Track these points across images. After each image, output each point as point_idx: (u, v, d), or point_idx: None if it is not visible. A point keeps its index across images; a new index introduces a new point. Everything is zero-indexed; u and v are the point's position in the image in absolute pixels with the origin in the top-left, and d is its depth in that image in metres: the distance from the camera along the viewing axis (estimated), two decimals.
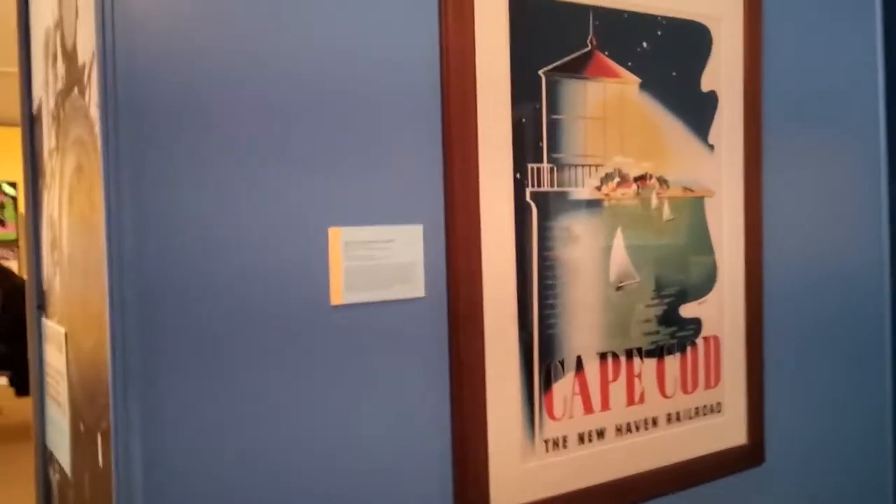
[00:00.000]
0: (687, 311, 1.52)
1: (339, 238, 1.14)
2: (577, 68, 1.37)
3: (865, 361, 1.89)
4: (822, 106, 1.80)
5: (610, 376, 1.42)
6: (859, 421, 1.87)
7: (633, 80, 1.44)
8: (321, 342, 1.13)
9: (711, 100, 1.55)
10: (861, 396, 1.87)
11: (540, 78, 1.33)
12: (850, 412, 1.85)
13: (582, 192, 1.38)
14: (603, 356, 1.41)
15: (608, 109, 1.41)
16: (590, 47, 1.39)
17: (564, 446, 1.36)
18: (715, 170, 1.56)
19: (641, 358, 1.46)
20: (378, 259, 1.18)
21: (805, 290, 1.75)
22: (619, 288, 1.43)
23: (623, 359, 1.43)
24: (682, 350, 1.51)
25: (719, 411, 1.57)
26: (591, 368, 1.39)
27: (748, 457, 1.62)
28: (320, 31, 1.13)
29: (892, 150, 1.99)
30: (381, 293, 1.18)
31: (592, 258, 1.39)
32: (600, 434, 1.41)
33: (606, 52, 1.41)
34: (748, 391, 1.61)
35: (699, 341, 1.54)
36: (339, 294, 1.14)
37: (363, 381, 1.17)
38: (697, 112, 1.53)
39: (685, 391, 1.52)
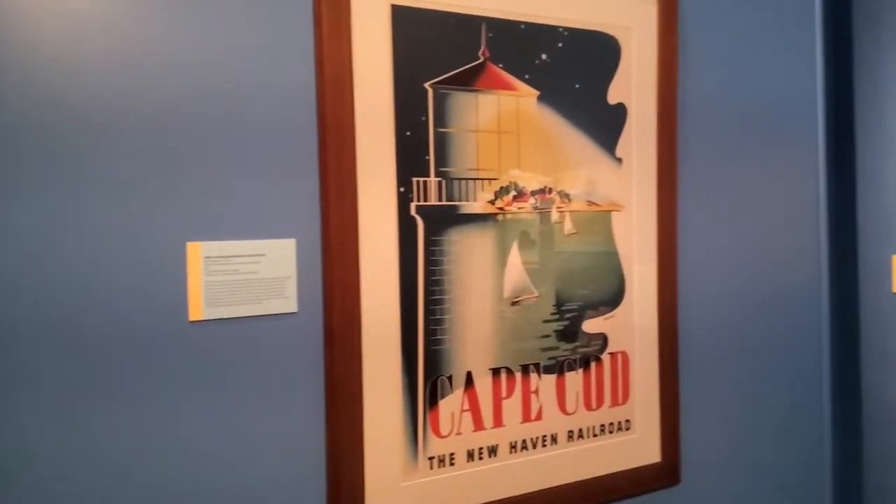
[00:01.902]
0: (591, 326, 1.50)
1: (199, 252, 1.13)
2: (466, 81, 1.36)
3: (794, 378, 1.85)
4: (751, 118, 1.77)
5: (503, 392, 1.40)
6: (787, 442, 1.83)
7: (530, 93, 1.42)
8: (179, 359, 1.12)
9: (619, 112, 1.53)
10: (789, 416, 1.83)
11: (426, 91, 1.32)
12: (777, 433, 1.81)
13: (473, 206, 1.36)
14: (496, 372, 1.39)
15: (503, 122, 1.39)
16: (482, 59, 1.37)
17: (451, 463, 1.34)
18: (624, 183, 1.54)
19: (539, 374, 1.43)
20: (245, 274, 1.17)
21: (725, 306, 1.71)
22: (515, 303, 1.41)
23: (518, 374, 1.41)
24: (586, 366, 1.49)
25: (629, 429, 1.54)
26: (483, 384, 1.37)
27: (663, 476, 1.58)
28: (186, 42, 1.13)
29: (830, 164, 1.95)
30: (249, 308, 1.17)
31: (485, 273, 1.37)
32: (492, 451, 1.38)
33: (501, 65, 1.39)
34: (662, 409, 1.58)
35: (605, 357, 1.51)
36: (199, 310, 1.13)
37: (230, 398, 1.16)
38: (604, 125, 1.51)
39: (588, 408, 1.49)
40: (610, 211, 1.52)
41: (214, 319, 1.14)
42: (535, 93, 1.43)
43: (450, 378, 1.34)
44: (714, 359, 1.69)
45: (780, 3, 1.82)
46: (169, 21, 1.11)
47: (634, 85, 1.54)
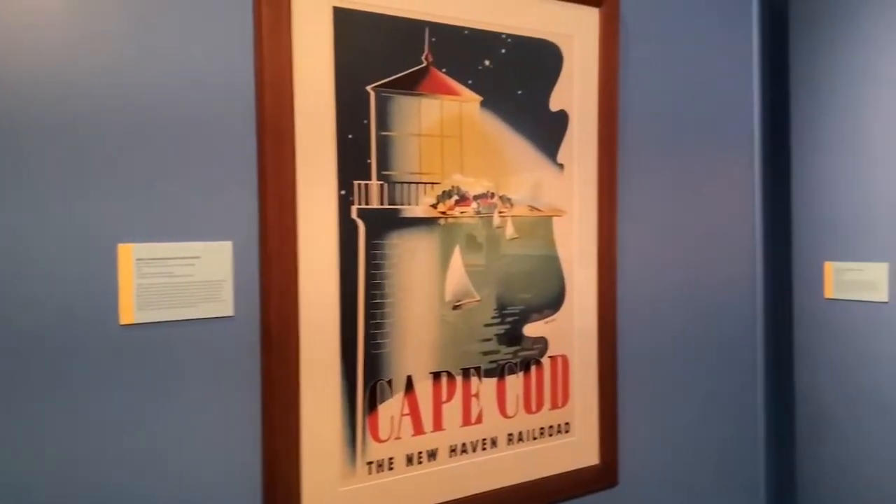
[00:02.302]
0: (532, 329, 1.51)
1: (131, 254, 1.11)
2: (410, 85, 1.35)
3: (733, 381, 1.90)
4: (689, 125, 1.80)
5: (444, 396, 1.40)
6: (723, 443, 1.87)
7: (473, 98, 1.43)
8: (110, 363, 1.09)
9: (561, 119, 1.55)
10: (725, 417, 1.88)
11: (368, 94, 1.31)
12: (713, 434, 1.85)
13: (416, 209, 1.36)
14: (437, 376, 1.39)
15: (446, 127, 1.40)
16: (425, 64, 1.37)
17: (390, 468, 1.33)
18: (565, 189, 1.55)
19: (480, 377, 1.44)
20: (179, 276, 1.15)
21: (663, 309, 1.75)
22: (456, 307, 1.41)
23: (459, 378, 1.42)
24: (526, 369, 1.50)
25: (568, 431, 1.56)
26: (423, 388, 1.37)
27: (601, 478, 1.60)
28: (119, 41, 1.10)
29: (766, 171, 2.01)
30: (183, 312, 1.15)
31: (427, 276, 1.37)
32: (432, 455, 1.38)
33: (444, 70, 1.39)
34: (601, 411, 1.60)
35: (545, 361, 1.53)
36: (130, 313, 1.10)
37: (162, 403, 1.14)
38: (545, 131, 1.52)
39: (529, 411, 1.51)
40: (551, 216, 1.54)
41: (146, 323, 1.12)
42: (478, 98, 1.44)
43: (390, 382, 1.33)
44: (652, 361, 1.72)
45: (718, 12, 1.87)
46: (101, 19, 1.09)
47: (576, 92, 1.57)
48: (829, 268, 1.95)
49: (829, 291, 1.96)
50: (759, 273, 1.96)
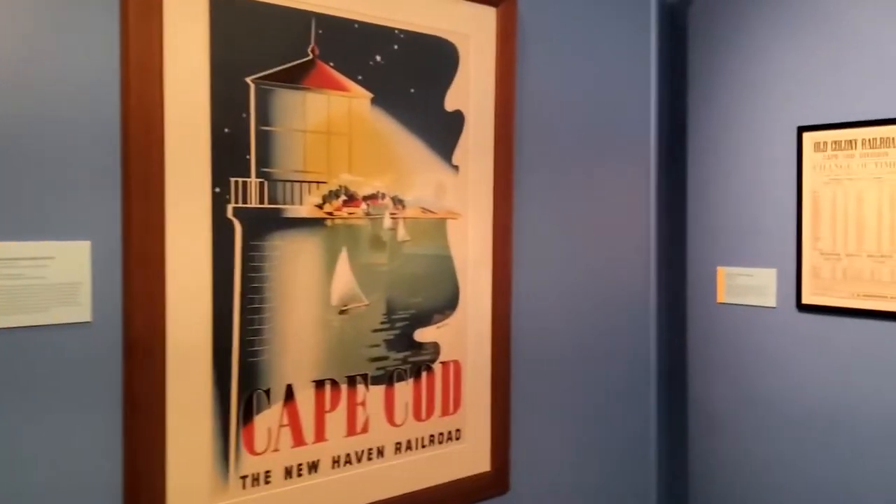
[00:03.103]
0: (423, 335, 1.47)
1: None
2: (294, 78, 1.29)
3: (627, 385, 1.91)
4: (587, 128, 1.80)
5: (327, 405, 1.34)
6: (615, 447, 1.88)
7: (363, 94, 1.37)
8: None
9: (456, 119, 1.51)
10: (618, 422, 1.89)
11: (248, 86, 1.24)
12: (606, 438, 1.86)
13: (300, 209, 1.30)
14: (320, 384, 1.33)
15: (334, 124, 1.34)
16: (311, 56, 1.31)
17: (267, 482, 1.27)
18: (460, 191, 1.52)
19: (367, 385, 1.39)
20: (30, 279, 1.05)
21: (558, 314, 1.74)
22: (343, 311, 1.35)
23: (344, 386, 1.36)
24: (416, 376, 1.46)
25: (459, 438, 1.53)
26: (305, 397, 1.31)
27: (491, 484, 1.58)
28: None
29: (662, 176, 2.03)
30: (34, 317, 1.05)
31: (311, 280, 1.31)
32: (313, 467, 1.32)
33: (332, 63, 1.33)
34: (493, 417, 1.58)
35: (437, 366, 1.49)
36: None
37: (10, 417, 1.03)
38: (440, 131, 1.48)
39: (418, 419, 1.46)
40: (445, 218, 1.50)
41: None
42: (369, 95, 1.38)
43: (267, 392, 1.27)
44: (546, 366, 1.71)
45: (617, 17, 1.87)
46: None
47: (473, 92, 1.53)
48: (722, 273, 1.99)
49: (721, 296, 2.00)
50: (654, 277, 1.98)
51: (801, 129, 1.82)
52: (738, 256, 1.97)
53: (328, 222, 1.33)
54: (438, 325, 1.49)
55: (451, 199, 1.50)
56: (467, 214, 1.53)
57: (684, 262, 2.08)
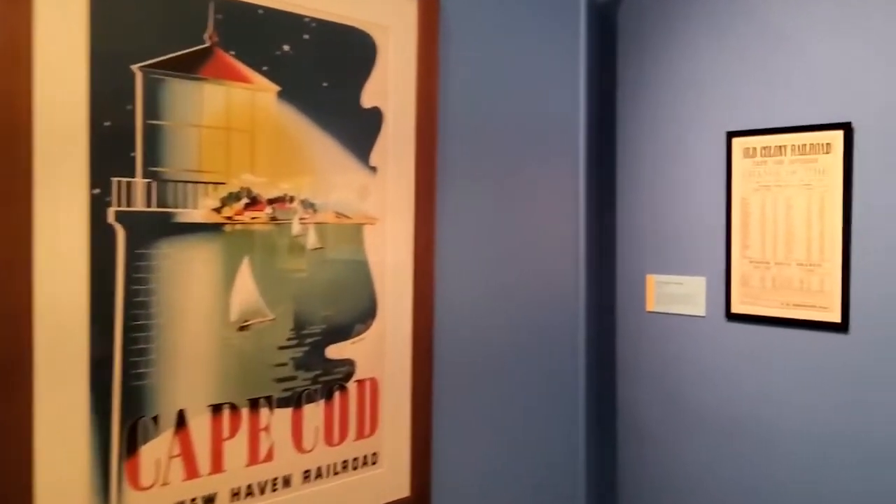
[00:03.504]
0: (337, 351, 1.35)
1: None
2: (188, 67, 1.15)
3: (555, 397, 1.83)
4: (514, 131, 1.71)
5: (225, 432, 1.20)
6: (543, 465, 1.80)
7: (268, 87, 1.25)
8: None
9: (374, 117, 1.40)
10: (548, 437, 1.81)
11: (134, 74, 1.10)
12: (534, 455, 1.77)
13: (194, 213, 1.16)
14: (217, 409, 1.19)
15: (234, 119, 1.21)
16: (208, 44, 1.17)
17: None
18: (378, 194, 1.40)
19: (271, 408, 1.26)
20: None
21: (484, 325, 1.65)
22: (244, 327, 1.22)
23: (245, 410, 1.23)
24: (328, 396, 1.33)
25: (375, 463, 1.41)
26: (199, 424, 1.17)
27: None
28: None
29: (591, 182, 1.97)
30: None
31: (207, 293, 1.17)
32: (209, 501, 1.18)
33: (233, 52, 1.20)
34: (413, 438, 1.47)
35: (351, 385, 1.37)
36: None
37: None
38: (357, 129, 1.37)
39: (330, 443, 1.34)
40: (362, 223, 1.38)
41: None
42: (275, 88, 1.25)
43: (155, 419, 1.12)
44: (470, 379, 1.61)
45: (546, 15, 1.79)
46: None
47: (392, 88, 1.42)
48: (651, 281, 1.94)
49: (651, 304, 1.95)
50: (583, 285, 1.91)
51: (731, 135, 1.78)
52: (667, 264, 1.91)
53: (227, 228, 1.20)
54: (353, 339, 1.37)
55: (368, 203, 1.39)
56: (386, 219, 1.42)
57: (614, 269, 2.02)
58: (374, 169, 1.40)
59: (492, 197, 1.66)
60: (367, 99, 1.39)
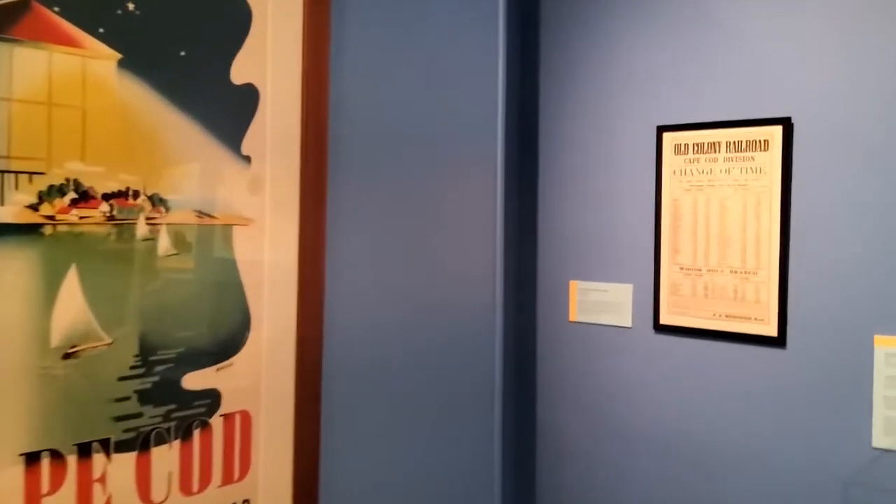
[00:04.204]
0: (196, 380, 1.11)
1: None
2: None
3: (469, 416, 1.63)
4: (423, 128, 1.50)
5: (44, 487, 0.95)
6: (458, 488, 1.60)
7: (106, 54, 1.00)
8: None
9: (248, 96, 1.16)
10: (461, 457, 1.61)
11: None
12: (446, 478, 1.57)
13: (2, 212, 0.90)
14: (33, 458, 0.94)
15: (59, 92, 0.95)
16: None
17: None
18: (253, 190, 1.17)
19: (108, 453, 1.01)
20: None
21: (388, 343, 1.43)
22: (69, 355, 0.97)
23: (73, 458, 0.98)
24: (185, 435, 1.09)
25: None
26: (8, 479, 0.92)
27: None
28: None
29: (510, 177, 1.78)
30: None
31: (19, 312, 0.92)
32: None
33: (57, 9, 0.95)
34: (296, 478, 1.24)
35: (215, 420, 1.13)
36: None
37: None
38: (224, 110, 1.13)
39: (188, 492, 1.10)
40: (231, 225, 1.15)
41: None
42: (115, 55, 1.01)
43: None
44: (370, 401, 1.39)
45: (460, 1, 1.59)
46: None
47: (271, 65, 1.19)
48: (574, 287, 1.77)
49: (574, 314, 1.78)
50: (500, 292, 1.72)
51: (661, 129, 1.61)
52: (592, 269, 1.74)
53: (47, 230, 0.95)
54: (219, 365, 1.13)
55: (239, 200, 1.16)
56: (264, 220, 1.19)
57: (534, 275, 1.83)
58: (247, 159, 1.16)
59: (397, 196, 1.44)
60: (239, 74, 1.15)
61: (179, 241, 1.08)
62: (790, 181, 1.45)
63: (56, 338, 0.96)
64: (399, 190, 1.45)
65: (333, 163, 1.31)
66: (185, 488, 1.10)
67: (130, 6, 1.02)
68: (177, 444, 1.08)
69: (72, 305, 0.97)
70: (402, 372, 1.46)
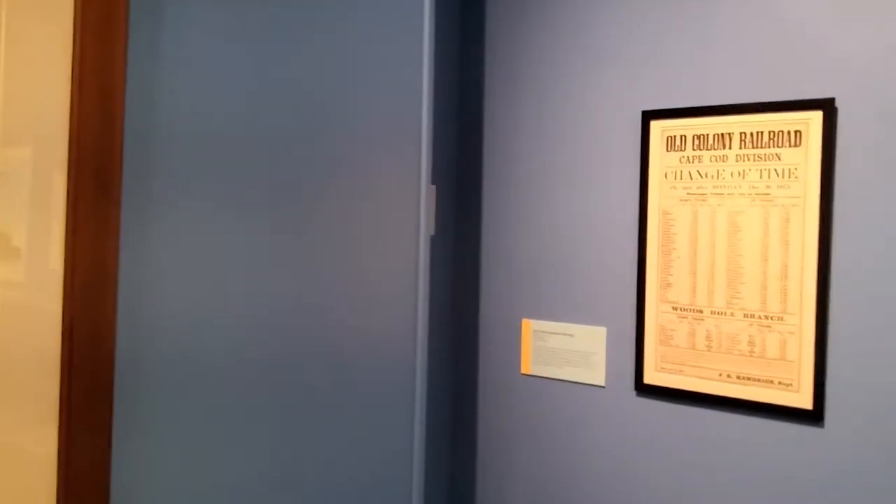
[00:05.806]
0: None
1: None
2: None
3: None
4: (316, 115, 1.04)
5: None
6: None
7: None
8: None
9: None
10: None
11: None
12: None
13: None
14: None
15: None
16: None
17: None
18: None
19: None
20: None
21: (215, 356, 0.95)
22: None
23: None
24: None
25: None
26: None
27: None
28: None
29: (446, 189, 1.34)
30: None
31: None
32: None
33: None
34: None
35: None
36: None
37: None
38: None
39: None
40: None
41: None
42: None
43: None
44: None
45: None
46: None
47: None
48: (528, 328, 1.33)
49: (527, 365, 1.34)
50: (422, 338, 1.26)
51: (648, 116, 1.19)
52: (551, 306, 1.32)
53: None
54: None
55: None
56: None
57: (475, 313, 1.38)
58: None
59: (264, 216, 0.97)
60: None
61: None
62: (831, 189, 1.03)
63: None
64: (271, 208, 0.97)
65: (133, 158, 0.83)
66: None
67: None
68: None
69: None
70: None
